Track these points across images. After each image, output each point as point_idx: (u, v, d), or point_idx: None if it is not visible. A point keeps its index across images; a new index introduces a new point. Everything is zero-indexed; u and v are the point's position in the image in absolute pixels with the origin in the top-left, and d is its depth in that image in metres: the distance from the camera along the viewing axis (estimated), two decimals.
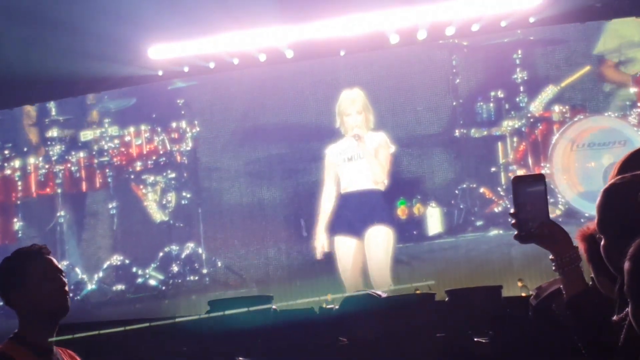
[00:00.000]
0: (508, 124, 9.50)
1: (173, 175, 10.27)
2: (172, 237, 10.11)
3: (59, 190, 10.39)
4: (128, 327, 4.91)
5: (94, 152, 10.43)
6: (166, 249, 9.97)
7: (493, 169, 9.52)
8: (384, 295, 5.28)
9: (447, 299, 5.21)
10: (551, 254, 2.38)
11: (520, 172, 9.14)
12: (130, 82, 10.06)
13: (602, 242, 2.19)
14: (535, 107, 9.51)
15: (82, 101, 10.63)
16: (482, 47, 9.71)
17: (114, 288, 9.92)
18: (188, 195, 10.23)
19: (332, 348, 4.96)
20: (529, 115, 9.46)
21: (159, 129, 10.32)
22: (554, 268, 2.39)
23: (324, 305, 5.78)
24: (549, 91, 9.52)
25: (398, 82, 9.74)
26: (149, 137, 10.33)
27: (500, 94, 9.55)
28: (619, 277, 2.12)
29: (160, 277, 9.88)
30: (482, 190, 9.45)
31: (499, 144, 9.56)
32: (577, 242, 2.44)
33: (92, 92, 10.39)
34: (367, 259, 8.74)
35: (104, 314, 9.31)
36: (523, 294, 6.81)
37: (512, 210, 2.38)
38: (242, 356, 4.97)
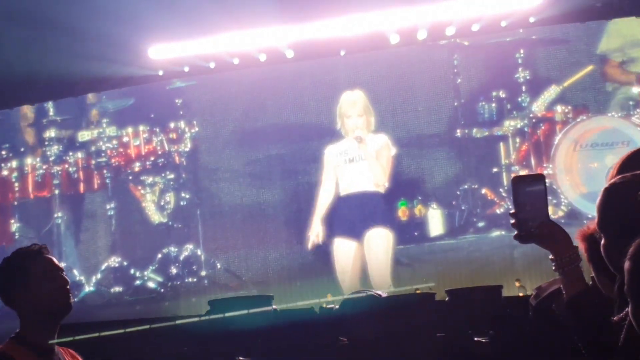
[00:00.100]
0: (510, 124, 9.45)
1: (172, 176, 10.25)
2: (170, 238, 10.08)
3: (57, 191, 10.41)
4: (128, 329, 4.90)
5: (92, 153, 10.42)
6: (165, 251, 9.95)
7: (495, 170, 9.47)
8: (384, 295, 5.27)
9: (447, 299, 5.20)
10: (551, 253, 2.38)
11: (522, 172, 9.10)
12: (131, 82, 10.08)
13: (602, 242, 2.19)
14: (538, 107, 9.46)
15: (81, 101, 10.61)
16: (483, 47, 9.66)
17: (112, 290, 9.91)
18: (187, 196, 10.21)
19: (332, 348, 4.95)
20: (531, 115, 9.42)
21: (158, 130, 10.31)
22: (553, 268, 2.39)
23: (324, 306, 5.77)
24: (552, 91, 9.47)
25: (398, 82, 9.71)
26: (147, 138, 10.33)
27: (502, 94, 9.50)
28: (618, 277, 2.12)
29: (159, 279, 9.86)
30: (483, 191, 9.41)
31: (501, 144, 9.52)
32: (578, 242, 2.43)
33: (92, 92, 10.39)
34: (367, 261, 8.73)
35: (103, 316, 9.28)
36: (520, 294, 6.80)
37: (512, 210, 2.38)
38: (243, 356, 4.96)
